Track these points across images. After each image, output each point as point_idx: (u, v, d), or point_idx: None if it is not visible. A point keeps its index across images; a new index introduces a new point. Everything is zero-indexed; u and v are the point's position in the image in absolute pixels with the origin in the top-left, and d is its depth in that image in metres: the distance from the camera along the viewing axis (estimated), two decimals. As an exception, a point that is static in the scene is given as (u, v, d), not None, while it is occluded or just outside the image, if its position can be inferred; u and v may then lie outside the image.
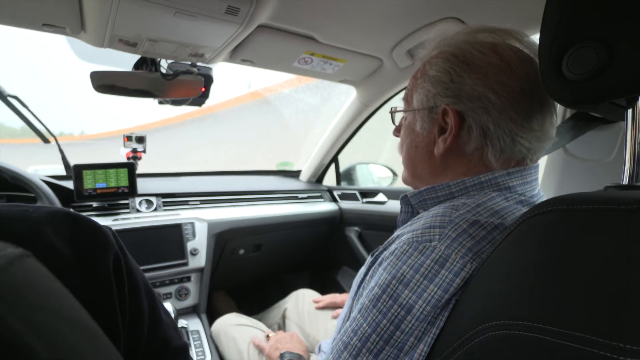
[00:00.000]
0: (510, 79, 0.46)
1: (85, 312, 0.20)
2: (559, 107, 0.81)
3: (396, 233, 0.50)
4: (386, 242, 0.50)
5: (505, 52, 0.47)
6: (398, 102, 1.37)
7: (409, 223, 0.49)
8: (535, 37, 0.49)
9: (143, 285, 0.46)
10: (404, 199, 0.56)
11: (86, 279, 0.38)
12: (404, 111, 0.59)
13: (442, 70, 0.49)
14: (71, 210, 0.42)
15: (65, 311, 0.18)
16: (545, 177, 0.84)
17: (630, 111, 0.37)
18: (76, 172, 1.19)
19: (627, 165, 0.37)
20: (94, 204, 1.25)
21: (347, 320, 0.48)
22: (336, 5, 0.81)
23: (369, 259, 0.53)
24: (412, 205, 0.55)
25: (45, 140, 1.19)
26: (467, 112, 0.47)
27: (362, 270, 0.53)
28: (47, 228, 0.37)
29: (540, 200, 0.51)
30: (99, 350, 0.19)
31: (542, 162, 0.83)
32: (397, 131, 0.63)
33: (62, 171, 1.28)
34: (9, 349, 0.14)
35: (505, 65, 0.46)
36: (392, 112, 0.64)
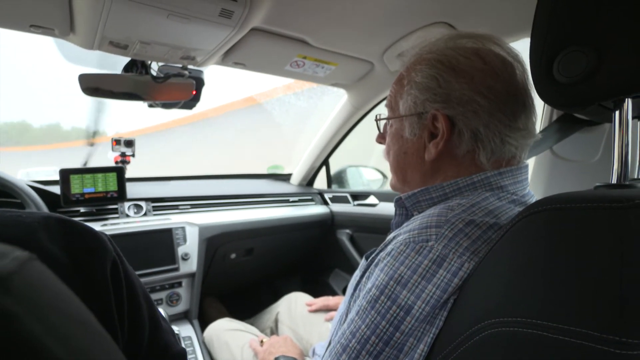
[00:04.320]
0: (495, 81, 0.47)
1: (92, 315, 0.20)
2: (546, 110, 0.84)
3: (391, 235, 0.50)
4: (382, 244, 0.50)
5: (488, 56, 0.49)
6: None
7: (404, 225, 0.49)
8: (525, 42, 0.50)
9: (141, 292, 0.46)
10: (398, 201, 0.56)
11: (82, 284, 0.37)
12: (391, 118, 0.58)
13: (429, 76, 0.50)
14: (64, 215, 0.41)
15: (75, 314, 0.18)
16: (533, 178, 0.86)
17: (617, 113, 0.38)
18: (63, 176, 1.16)
19: (615, 166, 0.38)
20: (82, 209, 1.23)
21: (344, 322, 0.48)
22: (329, 9, 0.82)
23: (363, 262, 0.52)
24: (406, 208, 0.55)
25: (91, 142, 1.21)
26: (457, 117, 0.48)
27: (357, 273, 0.53)
28: (41, 233, 0.36)
29: (531, 200, 0.52)
30: (108, 353, 0.19)
31: (530, 163, 0.86)
32: (381, 138, 0.63)
33: (54, 175, 1.25)
34: (28, 351, 0.14)
35: (489, 69, 0.48)
36: (378, 120, 0.63)
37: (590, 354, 0.26)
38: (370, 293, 0.43)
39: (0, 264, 0.15)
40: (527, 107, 0.49)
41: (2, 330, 0.14)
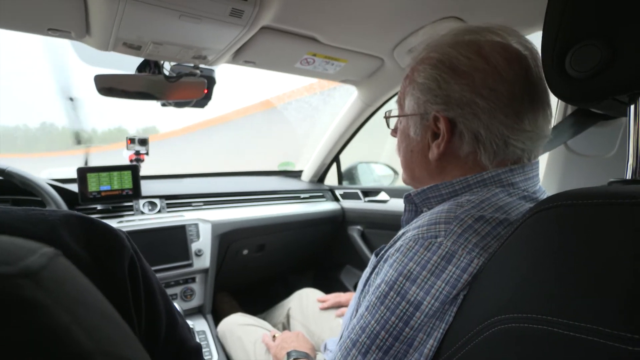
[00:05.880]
0: (497, 82, 0.45)
1: (113, 308, 0.21)
2: (560, 105, 0.82)
3: (401, 231, 0.51)
4: (391, 241, 0.50)
5: (491, 54, 0.46)
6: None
7: (414, 221, 0.49)
8: (538, 35, 0.49)
9: (158, 288, 0.47)
10: (408, 197, 0.56)
11: (102, 281, 0.39)
12: (398, 116, 0.59)
13: (430, 77, 0.50)
14: (83, 213, 0.43)
15: (98, 306, 0.19)
16: (547, 174, 0.85)
17: (632, 107, 0.37)
18: (80, 175, 1.20)
19: (630, 161, 0.38)
20: (98, 207, 1.26)
21: (354, 318, 0.48)
22: (338, 6, 0.82)
23: (373, 258, 0.53)
24: (415, 204, 0.55)
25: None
26: (458, 118, 0.48)
27: (367, 270, 0.53)
28: (63, 231, 0.38)
29: (542, 196, 0.51)
30: (130, 344, 0.20)
31: (544, 158, 0.84)
32: (395, 132, 0.63)
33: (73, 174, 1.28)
34: (58, 340, 0.15)
35: (491, 69, 0.46)
36: (387, 118, 0.63)
37: (602, 350, 0.26)
38: (380, 289, 0.43)
39: (31, 259, 0.16)
40: (534, 106, 0.47)
41: (33, 320, 0.15)
